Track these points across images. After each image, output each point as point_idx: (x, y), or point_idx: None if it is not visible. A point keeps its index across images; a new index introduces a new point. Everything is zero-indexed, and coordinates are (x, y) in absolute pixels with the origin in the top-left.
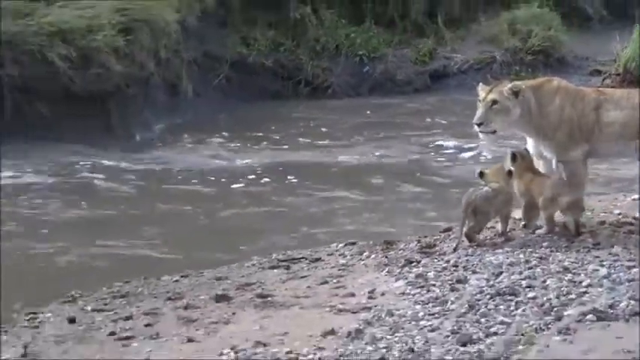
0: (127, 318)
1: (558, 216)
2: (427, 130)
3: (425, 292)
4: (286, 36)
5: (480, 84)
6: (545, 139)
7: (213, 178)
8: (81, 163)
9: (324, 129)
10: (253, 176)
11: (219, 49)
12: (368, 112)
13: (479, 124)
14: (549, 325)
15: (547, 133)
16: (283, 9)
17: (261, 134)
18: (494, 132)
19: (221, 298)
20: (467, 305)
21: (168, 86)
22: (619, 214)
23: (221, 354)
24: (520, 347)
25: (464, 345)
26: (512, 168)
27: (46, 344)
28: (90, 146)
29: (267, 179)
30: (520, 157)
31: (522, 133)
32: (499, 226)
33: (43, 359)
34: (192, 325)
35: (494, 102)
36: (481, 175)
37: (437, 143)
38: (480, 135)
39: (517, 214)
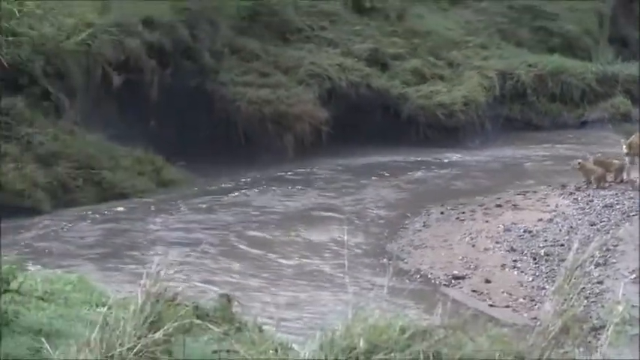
0: (462, 212)
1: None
2: (578, 140)
3: (577, 205)
4: (526, 107)
5: (622, 140)
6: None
7: (502, 157)
8: (450, 152)
9: (544, 138)
10: (517, 158)
11: (501, 111)
12: (559, 135)
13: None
14: (625, 219)
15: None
16: (526, 97)
17: (515, 143)
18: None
19: (499, 206)
20: (593, 210)
21: (479, 125)
22: None
23: (498, 226)
24: (613, 228)
25: (591, 225)
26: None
27: (431, 222)
28: (451, 148)
29: (522, 156)
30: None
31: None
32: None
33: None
34: (488, 216)
35: (635, 152)
36: (579, 164)
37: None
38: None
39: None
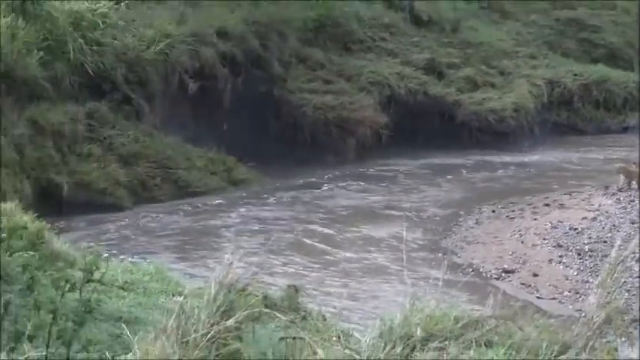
0: (512, 211)
1: None
2: (620, 144)
3: (619, 205)
4: (572, 113)
5: None
6: None
7: (550, 159)
8: (501, 155)
9: (588, 142)
10: (564, 161)
11: (548, 117)
12: (602, 139)
13: None
14: None
15: None
16: (572, 104)
17: (561, 146)
18: None
19: (546, 205)
20: (634, 209)
21: (528, 130)
22: None
23: (545, 224)
24: None
25: (632, 223)
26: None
27: (483, 219)
28: (502, 151)
29: (568, 159)
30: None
31: None
32: None
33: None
34: (536, 214)
35: None
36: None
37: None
38: None
39: None
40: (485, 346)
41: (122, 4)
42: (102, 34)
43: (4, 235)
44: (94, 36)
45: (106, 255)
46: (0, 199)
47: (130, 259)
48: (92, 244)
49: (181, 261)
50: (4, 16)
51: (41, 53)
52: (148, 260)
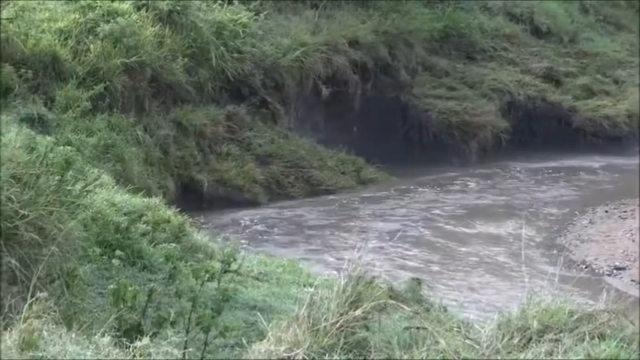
0: (624, 211)
1: None
2: None
3: None
4: None
5: None
6: None
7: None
8: (614, 158)
9: None
10: None
11: None
12: None
13: None
14: None
15: None
16: None
17: None
18: None
19: None
20: None
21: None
22: None
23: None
24: None
25: None
26: None
27: (596, 219)
28: (615, 154)
29: None
30: None
31: None
32: None
33: None
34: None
35: None
36: None
37: None
38: None
39: None
40: (598, 338)
41: (261, 14)
42: (242, 43)
43: (149, 227)
44: (235, 44)
45: (244, 247)
46: (146, 195)
47: (264, 251)
48: (230, 237)
49: (312, 254)
50: (151, 26)
51: (185, 60)
52: (281, 253)
